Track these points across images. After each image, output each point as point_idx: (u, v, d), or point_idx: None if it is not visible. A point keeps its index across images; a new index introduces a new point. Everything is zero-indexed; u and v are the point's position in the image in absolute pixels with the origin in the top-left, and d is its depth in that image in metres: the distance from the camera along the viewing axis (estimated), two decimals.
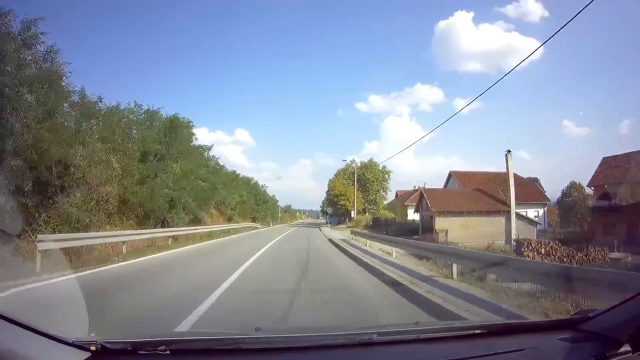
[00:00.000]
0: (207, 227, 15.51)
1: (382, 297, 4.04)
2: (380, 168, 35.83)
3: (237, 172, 32.29)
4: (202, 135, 71.85)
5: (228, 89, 69.54)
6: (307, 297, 3.89)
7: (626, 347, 1.16)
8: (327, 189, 39.51)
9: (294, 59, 69.60)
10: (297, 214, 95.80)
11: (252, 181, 40.40)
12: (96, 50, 37.91)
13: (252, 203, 35.33)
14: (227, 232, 17.67)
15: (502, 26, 59.05)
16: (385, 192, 37.05)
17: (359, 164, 37.63)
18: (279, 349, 1.19)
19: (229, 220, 25.30)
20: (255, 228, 26.93)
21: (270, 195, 52.42)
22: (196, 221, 15.27)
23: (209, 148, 19.18)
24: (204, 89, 65.56)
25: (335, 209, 36.07)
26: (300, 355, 1.18)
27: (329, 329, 1.60)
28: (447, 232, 16.65)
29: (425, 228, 17.87)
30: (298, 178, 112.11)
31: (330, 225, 35.48)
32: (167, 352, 1.07)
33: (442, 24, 60.11)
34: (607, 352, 1.16)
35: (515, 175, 20.47)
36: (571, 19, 6.09)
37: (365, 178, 34.21)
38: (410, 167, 73.64)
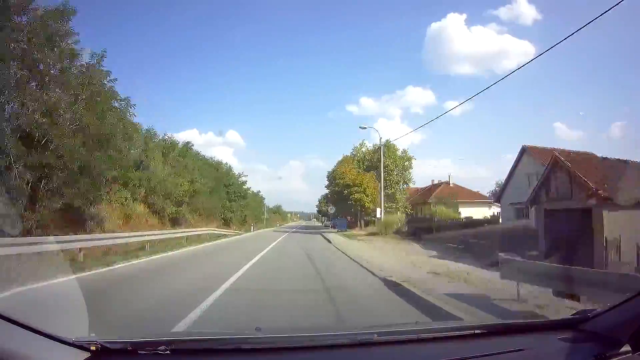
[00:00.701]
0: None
1: None
2: (400, 153, 31.00)
3: (190, 143, 25.01)
4: (193, 137, 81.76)
5: (219, 90, 79.37)
6: None
7: (626, 347, 1.25)
8: (327, 183, 34.38)
9: (285, 60, 79.50)
10: (289, 215, 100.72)
11: (225, 167, 33.82)
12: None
13: (223, 198, 28.59)
14: (123, 256, 8.81)
15: (495, 29, 64.18)
16: (407, 184, 31.83)
17: (370, 147, 32.87)
18: (279, 348, 1.32)
19: (174, 223, 18.70)
20: (220, 237, 20.43)
21: (255, 191, 46.90)
22: (75, 223, 9.25)
23: (100, 58, 10.57)
24: (196, 90, 75.80)
25: (344, 206, 29.67)
26: (300, 355, 1.31)
27: (329, 329, 1.84)
28: (619, 240, 8.47)
29: (558, 234, 9.67)
30: (289, 180, 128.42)
31: (337, 230, 29.87)
32: (167, 352, 1.19)
33: (434, 26, 66.62)
34: (607, 352, 1.24)
35: (591, 156, 13.16)
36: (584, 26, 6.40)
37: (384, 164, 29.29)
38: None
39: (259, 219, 46.48)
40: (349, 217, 32.54)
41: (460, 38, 64.59)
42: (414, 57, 72.89)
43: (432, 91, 77.56)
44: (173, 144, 21.76)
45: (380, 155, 23.89)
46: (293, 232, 32.68)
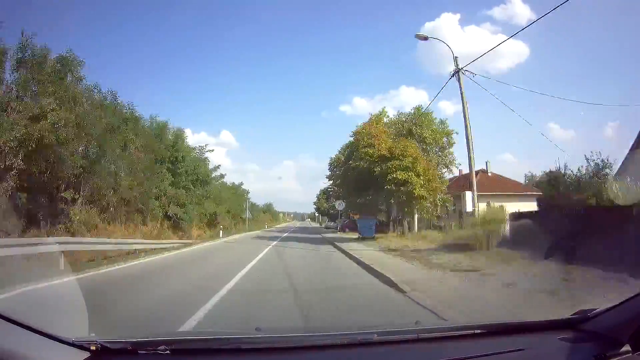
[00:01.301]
0: None
1: None
2: (435, 126, 34.64)
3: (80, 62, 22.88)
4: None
5: (213, 90, 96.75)
6: None
7: (626, 347, 2.03)
8: (329, 174, 41.66)
9: (280, 61, 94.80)
10: (281, 215, 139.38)
11: (172, 131, 34.19)
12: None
13: (165, 180, 30.19)
14: None
15: (489, 29, 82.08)
16: (449, 167, 35.80)
17: (393, 115, 36.90)
18: (279, 348, 2.18)
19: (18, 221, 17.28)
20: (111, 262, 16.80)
21: (234, 183, 57.70)
22: None
23: None
24: (189, 90, 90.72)
25: (374, 196, 31.13)
26: (300, 355, 2.15)
27: (329, 329, 2.79)
28: None
29: None
30: (282, 180, 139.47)
31: (359, 236, 30.17)
32: (167, 352, 1.95)
33: (428, 25, 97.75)
34: (607, 352, 2.02)
35: None
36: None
37: (420, 137, 32.53)
38: None
39: (237, 217, 50.67)
40: (355, 215, 34.52)
41: (454, 38, 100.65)
42: (407, 57, 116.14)
43: (425, 91, 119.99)
44: (41, 54, 19.11)
45: (463, 96, 22.28)
46: (285, 238, 34.27)
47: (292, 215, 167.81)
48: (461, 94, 22.43)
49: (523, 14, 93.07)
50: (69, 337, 1.85)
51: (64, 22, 66.65)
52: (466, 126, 21.73)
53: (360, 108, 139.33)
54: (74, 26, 67.86)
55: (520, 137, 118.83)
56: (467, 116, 21.81)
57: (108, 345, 1.89)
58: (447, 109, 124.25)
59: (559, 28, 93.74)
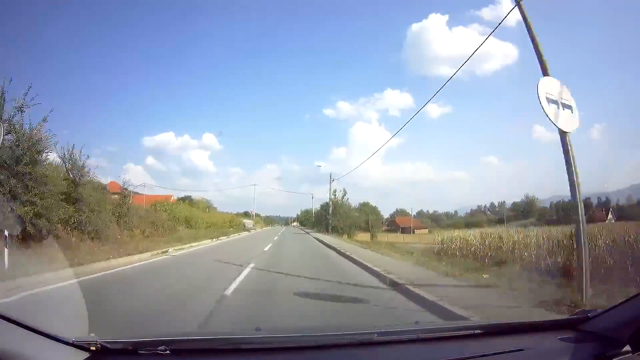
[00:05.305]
0: None
1: None
2: None
3: None
4: (169, 140, 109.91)
5: (196, 92, 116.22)
6: None
7: (626, 348, 2.06)
8: None
9: (262, 64, 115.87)
10: (229, 216, 69.69)
11: None
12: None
13: None
14: None
15: (477, 29, 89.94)
16: None
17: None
18: (279, 349, 2.19)
19: None
20: None
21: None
22: None
23: None
24: (173, 93, 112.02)
25: None
26: (300, 355, 2.17)
27: (329, 329, 2.80)
28: None
29: None
30: (265, 183, 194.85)
31: None
32: (167, 352, 1.98)
33: (415, 27, 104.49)
34: (607, 353, 2.06)
35: None
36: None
37: None
38: (377, 173, 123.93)
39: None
40: None
41: (441, 39, 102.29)
42: (393, 59, 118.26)
43: (410, 94, 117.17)
44: None
45: None
46: None
47: (262, 217, 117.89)
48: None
49: (512, 15, 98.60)
50: (69, 337, 1.84)
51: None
52: None
53: (344, 112, 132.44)
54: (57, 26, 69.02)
55: (504, 140, 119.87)
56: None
57: (108, 345, 1.88)
58: (431, 111, 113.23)
59: (550, 30, 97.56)
